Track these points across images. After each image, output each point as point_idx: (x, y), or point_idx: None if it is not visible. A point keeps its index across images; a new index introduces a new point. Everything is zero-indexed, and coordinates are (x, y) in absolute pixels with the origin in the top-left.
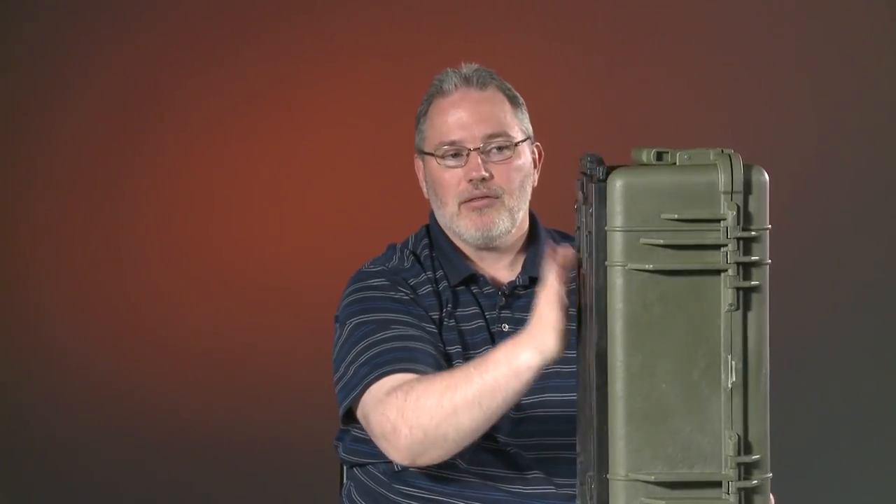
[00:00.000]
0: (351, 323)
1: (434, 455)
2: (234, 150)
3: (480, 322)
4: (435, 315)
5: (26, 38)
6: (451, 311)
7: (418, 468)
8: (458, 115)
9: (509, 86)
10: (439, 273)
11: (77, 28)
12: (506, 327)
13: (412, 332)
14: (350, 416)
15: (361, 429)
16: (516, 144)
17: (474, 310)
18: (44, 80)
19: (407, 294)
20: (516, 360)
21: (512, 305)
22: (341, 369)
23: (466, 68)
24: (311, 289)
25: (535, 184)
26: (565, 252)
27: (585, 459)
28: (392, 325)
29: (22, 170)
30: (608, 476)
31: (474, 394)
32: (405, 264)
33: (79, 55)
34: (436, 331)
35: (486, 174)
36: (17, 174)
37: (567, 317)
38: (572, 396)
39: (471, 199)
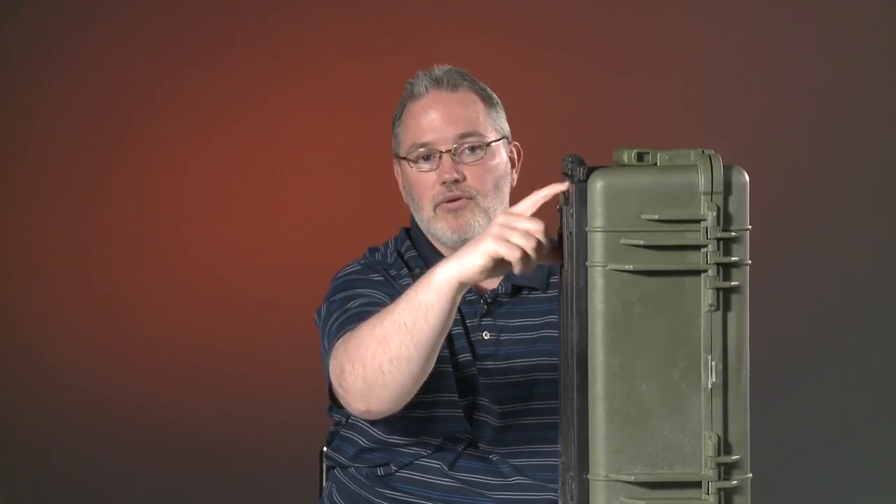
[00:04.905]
0: (326, 304)
1: (381, 397)
2: (215, 154)
3: (459, 329)
4: None
5: (3, 36)
6: None
7: (376, 425)
8: (430, 118)
9: (483, 85)
10: (425, 271)
11: (55, 27)
12: (486, 335)
13: (377, 298)
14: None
15: (351, 420)
16: (489, 144)
17: (455, 316)
18: (20, 81)
19: (381, 277)
20: (435, 276)
21: (494, 313)
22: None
23: (438, 70)
24: (292, 293)
25: (514, 184)
26: (552, 190)
27: (566, 460)
28: (359, 296)
29: None
30: (588, 476)
31: (399, 314)
32: (388, 260)
33: (56, 55)
34: None
35: (458, 176)
36: None
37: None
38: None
39: (445, 202)
